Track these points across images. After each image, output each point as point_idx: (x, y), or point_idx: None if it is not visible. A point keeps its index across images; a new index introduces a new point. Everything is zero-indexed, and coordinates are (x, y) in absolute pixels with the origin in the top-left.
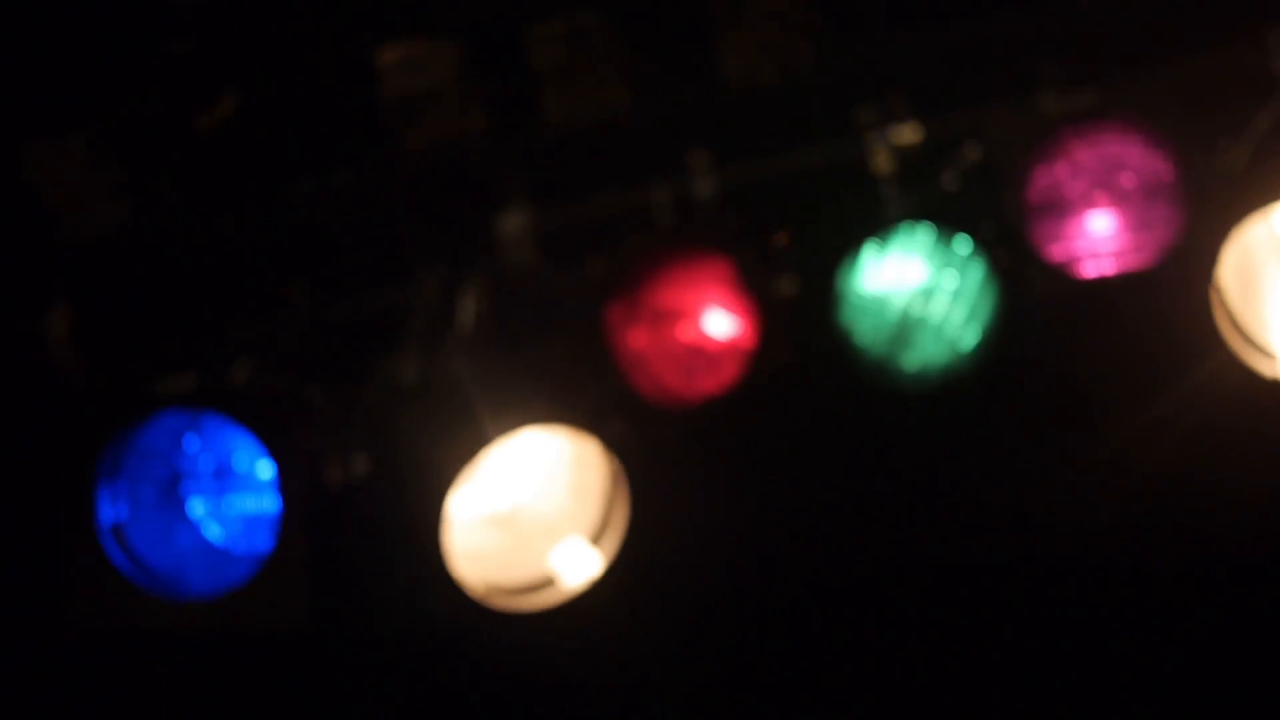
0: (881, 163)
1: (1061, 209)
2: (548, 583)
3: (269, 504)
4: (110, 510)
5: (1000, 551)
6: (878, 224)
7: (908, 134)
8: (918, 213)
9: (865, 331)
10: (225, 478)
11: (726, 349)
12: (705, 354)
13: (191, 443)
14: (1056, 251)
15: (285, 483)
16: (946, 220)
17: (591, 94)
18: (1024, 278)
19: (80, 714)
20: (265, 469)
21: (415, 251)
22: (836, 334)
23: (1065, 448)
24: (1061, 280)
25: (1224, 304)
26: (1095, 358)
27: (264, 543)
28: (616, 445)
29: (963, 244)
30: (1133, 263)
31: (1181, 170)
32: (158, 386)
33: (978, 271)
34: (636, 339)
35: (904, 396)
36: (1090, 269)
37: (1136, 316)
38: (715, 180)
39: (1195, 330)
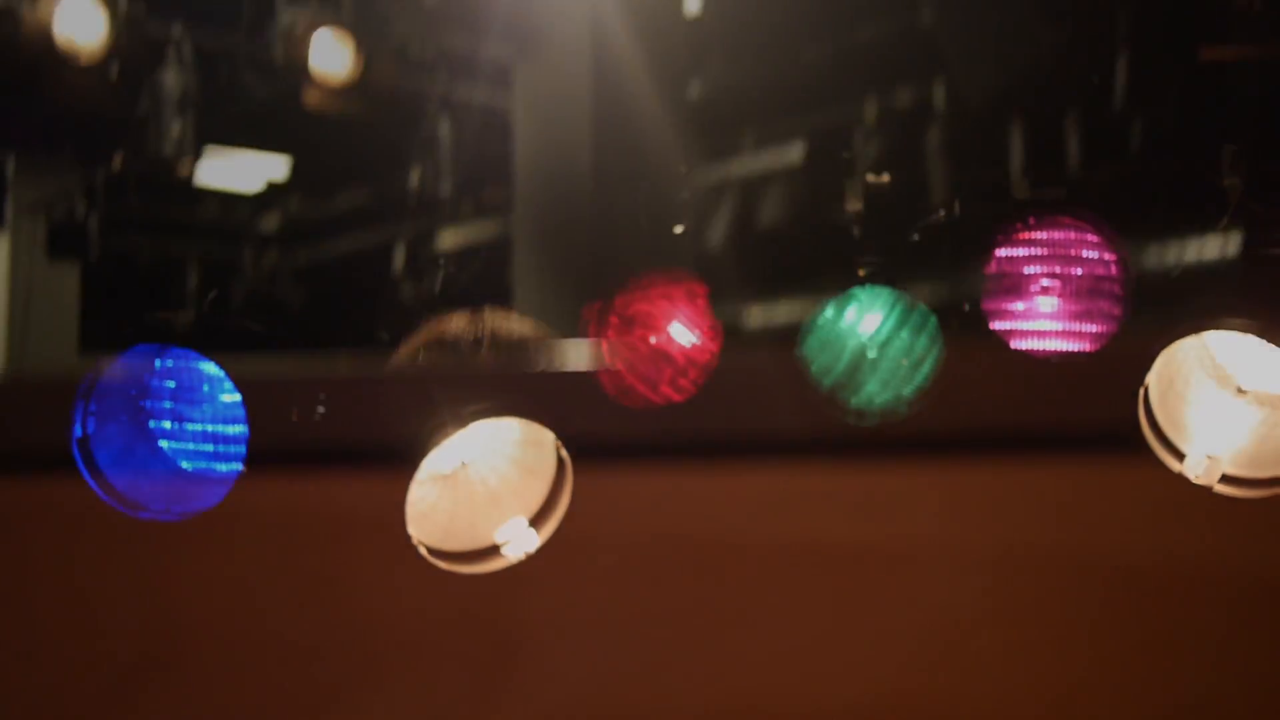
0: (853, 202)
1: (1014, 287)
2: (484, 553)
3: (235, 432)
4: (79, 425)
5: None
6: (851, 267)
7: (879, 180)
8: (883, 263)
9: (821, 363)
10: (194, 402)
11: (689, 360)
12: (670, 362)
13: (164, 367)
14: (1002, 324)
15: (251, 417)
16: (905, 274)
17: None
18: (968, 343)
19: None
20: (233, 397)
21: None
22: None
23: None
24: (1002, 351)
25: (1146, 400)
26: (1021, 426)
27: (226, 469)
28: (570, 440)
29: (917, 300)
30: (1071, 348)
31: (1129, 273)
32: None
33: (928, 328)
34: (605, 336)
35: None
36: (1031, 346)
37: (1066, 396)
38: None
39: (1119, 418)
